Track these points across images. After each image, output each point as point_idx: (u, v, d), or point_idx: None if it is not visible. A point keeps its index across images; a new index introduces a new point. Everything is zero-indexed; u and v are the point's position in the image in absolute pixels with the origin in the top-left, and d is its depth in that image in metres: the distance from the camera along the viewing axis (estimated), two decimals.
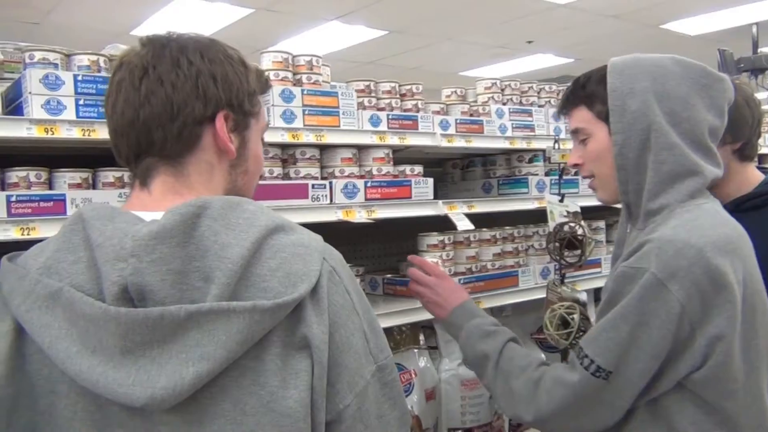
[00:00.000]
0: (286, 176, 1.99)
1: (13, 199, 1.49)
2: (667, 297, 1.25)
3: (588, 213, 2.62)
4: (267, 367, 0.88)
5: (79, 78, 1.58)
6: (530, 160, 2.61)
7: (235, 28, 6.84)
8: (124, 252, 0.85)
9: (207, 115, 0.99)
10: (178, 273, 0.87)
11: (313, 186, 1.95)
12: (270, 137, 1.87)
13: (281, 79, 1.96)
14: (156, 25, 6.61)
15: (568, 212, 2.42)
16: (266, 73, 1.15)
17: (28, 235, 1.48)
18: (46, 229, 1.51)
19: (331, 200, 1.98)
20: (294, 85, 1.99)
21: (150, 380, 0.83)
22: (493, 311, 2.53)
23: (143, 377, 0.83)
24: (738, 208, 1.87)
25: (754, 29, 7.09)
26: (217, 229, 0.90)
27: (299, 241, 0.95)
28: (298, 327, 0.90)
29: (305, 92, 1.95)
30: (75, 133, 1.56)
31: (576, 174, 2.75)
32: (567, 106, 1.52)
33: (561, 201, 2.44)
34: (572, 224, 2.40)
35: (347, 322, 0.95)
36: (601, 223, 2.89)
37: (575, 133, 1.51)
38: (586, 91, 1.47)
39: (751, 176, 1.96)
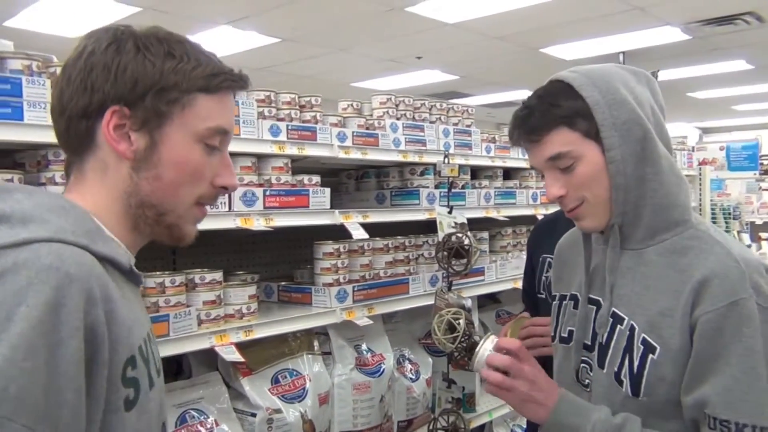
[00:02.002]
0: None
1: None
2: None
3: (474, 224, 2.79)
4: None
5: None
6: (422, 173, 2.74)
7: None
8: None
9: (92, 110, 0.92)
10: None
11: None
12: None
13: None
14: (31, 18, 6.24)
15: (456, 223, 2.57)
16: (224, 73, 0.99)
17: None
18: None
19: (229, 207, 2.00)
20: None
21: None
22: (385, 317, 2.63)
23: None
24: None
25: (621, 57, 7.75)
26: None
27: None
28: None
29: None
30: None
31: (463, 187, 2.91)
32: (539, 131, 1.27)
33: (450, 213, 2.59)
34: (459, 235, 2.55)
35: None
36: (485, 234, 3.07)
37: (556, 159, 1.27)
38: (562, 110, 1.26)
39: None
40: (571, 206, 1.30)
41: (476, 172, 3.14)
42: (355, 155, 2.40)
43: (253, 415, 2.04)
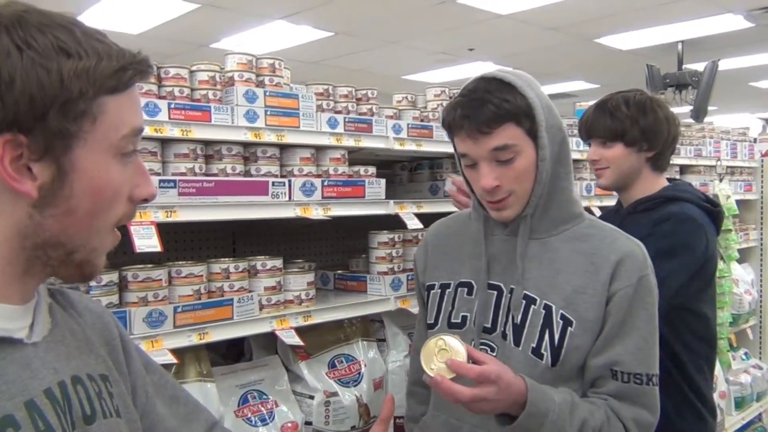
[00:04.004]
0: (247, 173, 2.07)
1: None
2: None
3: None
4: None
5: None
6: None
7: (179, 22, 6.79)
8: None
9: None
10: None
11: (273, 183, 2.03)
12: (233, 136, 1.95)
13: (245, 80, 2.04)
14: (94, 16, 6.49)
15: None
16: (132, 63, 0.79)
17: None
18: None
19: (289, 197, 2.07)
20: (257, 86, 2.07)
21: None
22: None
23: None
24: (635, 209, 2.09)
25: (680, 47, 7.55)
26: None
27: None
28: None
29: (268, 93, 2.04)
30: None
31: None
32: (492, 123, 1.36)
33: None
34: None
35: None
36: None
37: (500, 150, 1.37)
38: (513, 107, 1.36)
39: (658, 185, 2.11)
40: (501, 197, 1.42)
41: None
42: (410, 147, 2.44)
43: (311, 397, 2.12)
